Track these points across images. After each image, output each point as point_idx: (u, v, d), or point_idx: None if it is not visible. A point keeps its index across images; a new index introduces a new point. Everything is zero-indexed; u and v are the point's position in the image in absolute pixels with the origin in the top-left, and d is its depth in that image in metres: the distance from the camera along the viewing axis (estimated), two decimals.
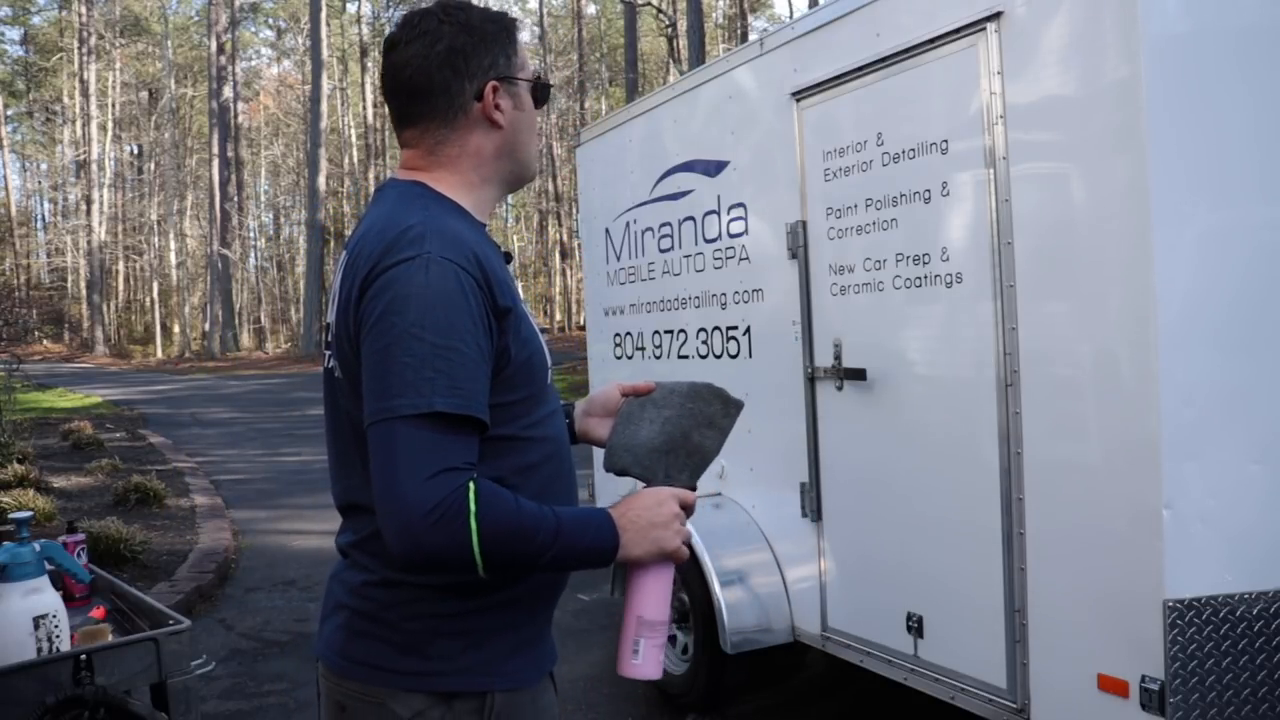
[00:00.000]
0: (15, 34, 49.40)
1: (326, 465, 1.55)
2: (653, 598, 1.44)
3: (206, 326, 41.63)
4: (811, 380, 3.40)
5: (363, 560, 1.44)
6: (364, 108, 47.59)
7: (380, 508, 1.27)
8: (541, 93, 1.56)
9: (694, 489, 1.54)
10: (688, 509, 1.46)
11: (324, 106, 36.58)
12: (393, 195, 1.47)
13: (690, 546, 3.67)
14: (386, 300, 1.30)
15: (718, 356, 3.99)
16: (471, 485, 1.26)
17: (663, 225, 4.33)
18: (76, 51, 43.40)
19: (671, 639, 4.16)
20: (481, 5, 1.57)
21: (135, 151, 49.44)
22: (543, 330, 1.52)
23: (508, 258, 1.49)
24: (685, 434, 1.57)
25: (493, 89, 1.48)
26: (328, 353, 1.48)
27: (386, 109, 1.49)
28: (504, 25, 1.52)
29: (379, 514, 1.28)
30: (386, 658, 1.41)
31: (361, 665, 1.43)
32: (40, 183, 52.71)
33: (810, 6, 19.32)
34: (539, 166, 1.60)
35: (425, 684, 1.40)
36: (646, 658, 1.44)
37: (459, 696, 1.40)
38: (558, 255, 43.19)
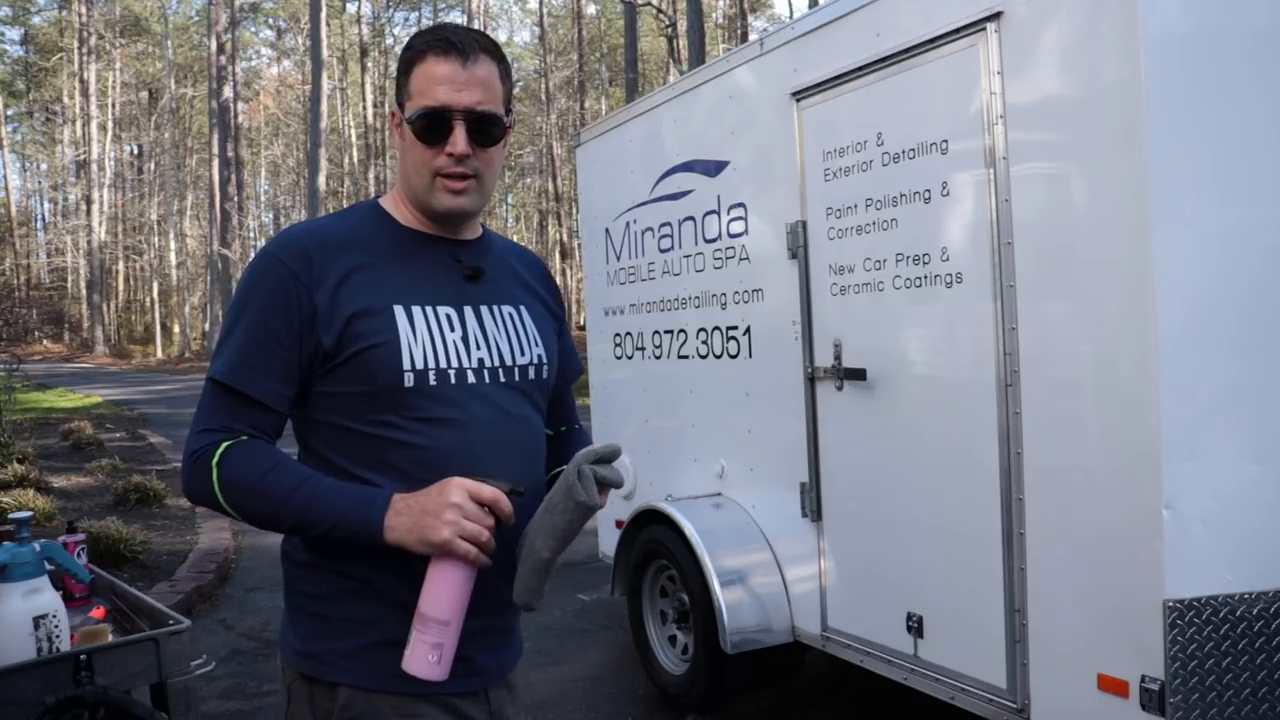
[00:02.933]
0: (15, 34, 49.42)
1: None
2: (431, 591, 1.36)
3: (206, 326, 41.61)
4: (811, 380, 3.40)
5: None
6: (364, 108, 47.58)
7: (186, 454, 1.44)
8: (418, 126, 1.46)
9: (533, 600, 1.46)
10: (488, 504, 1.37)
11: (324, 106, 36.55)
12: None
13: (689, 544, 3.70)
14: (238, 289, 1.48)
15: (718, 356, 3.99)
16: (223, 444, 1.40)
17: (663, 225, 4.33)
18: (76, 51, 43.40)
19: (671, 639, 4.16)
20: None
21: (135, 151, 49.45)
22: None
23: (477, 272, 1.56)
24: (531, 541, 1.47)
25: (391, 114, 1.54)
26: None
27: (387, 111, 1.59)
28: (407, 53, 1.50)
29: None
30: (284, 625, 1.54)
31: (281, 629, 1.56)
32: (40, 183, 52.74)
33: (810, 6, 19.31)
34: (438, 202, 1.51)
35: (292, 658, 1.49)
36: (414, 652, 1.36)
37: (316, 683, 1.46)
38: (558, 255, 43.16)
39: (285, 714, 1.51)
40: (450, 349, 1.49)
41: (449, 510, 1.34)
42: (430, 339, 1.47)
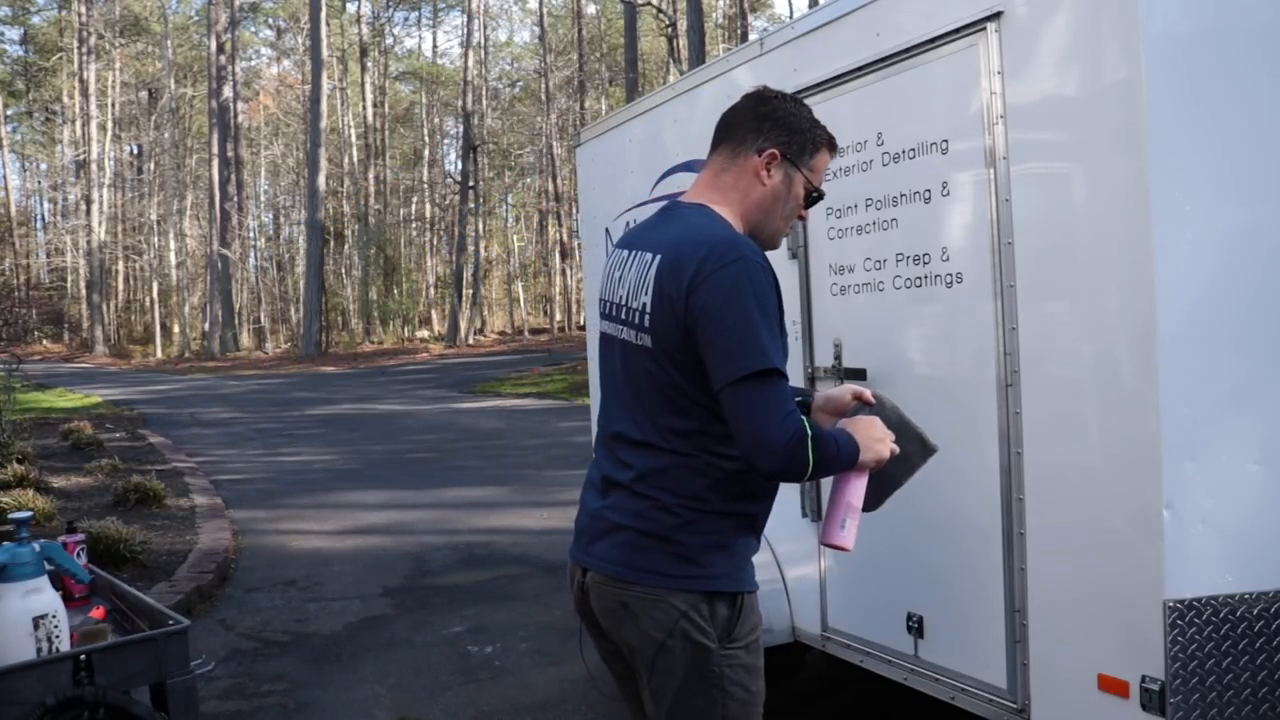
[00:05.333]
0: (15, 34, 49.43)
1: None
2: (860, 491, 1.96)
3: (206, 326, 41.65)
4: (812, 380, 3.40)
5: (647, 491, 1.90)
6: (364, 107, 47.58)
7: (752, 442, 1.76)
8: (811, 196, 2.06)
9: (873, 509, 2.06)
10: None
11: (324, 106, 36.55)
12: (690, 213, 1.97)
13: None
14: (724, 293, 1.78)
15: None
16: (805, 423, 1.77)
17: None
18: (76, 51, 43.42)
19: None
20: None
21: (135, 151, 49.46)
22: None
23: None
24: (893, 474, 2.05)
25: (770, 155, 1.98)
26: (623, 327, 1.98)
27: (764, 151, 2.02)
28: (819, 134, 2.06)
29: (750, 446, 1.76)
30: (667, 565, 1.88)
31: (646, 572, 1.89)
32: (40, 183, 52.76)
33: (810, 6, 19.31)
34: (784, 236, 2.10)
35: (699, 585, 1.87)
36: (850, 532, 1.96)
37: (719, 595, 1.88)
38: (558, 255, 43.17)
39: (672, 636, 1.88)
40: None
41: (887, 439, 1.97)
42: None
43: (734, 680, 1.90)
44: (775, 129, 2.01)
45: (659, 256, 1.90)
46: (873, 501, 2.09)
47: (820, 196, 2.07)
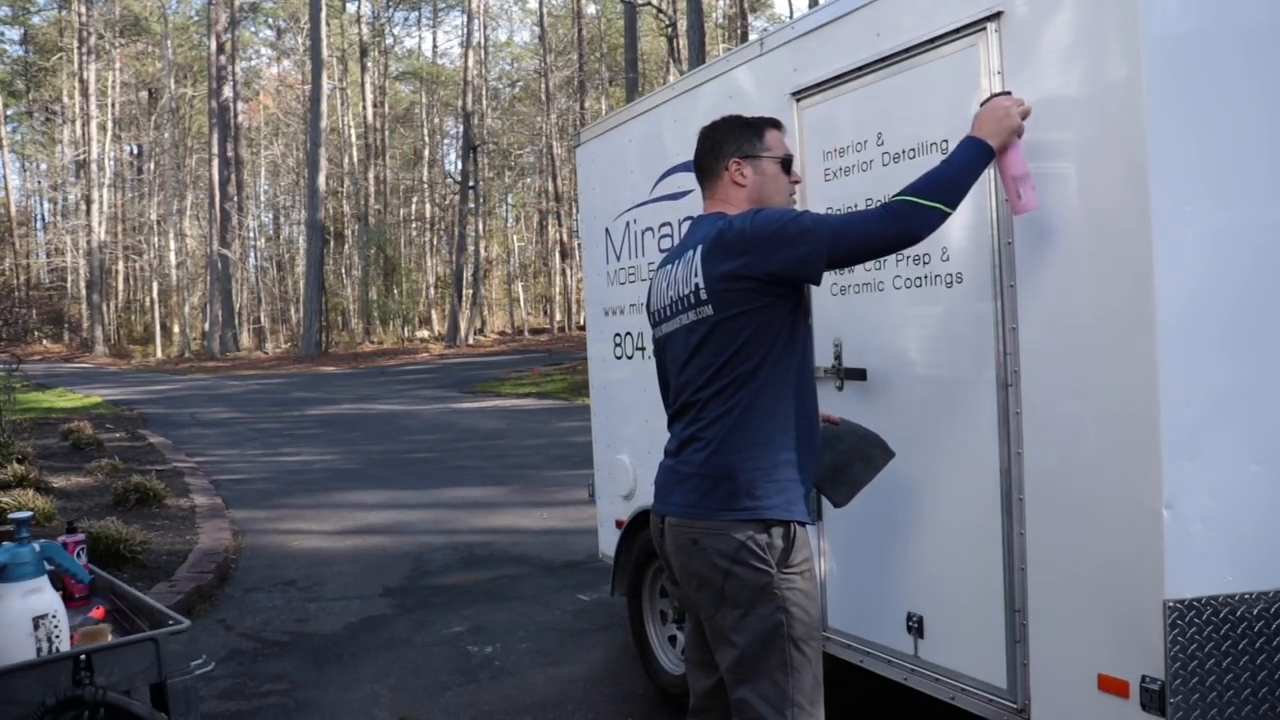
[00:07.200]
0: (15, 34, 49.44)
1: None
2: (1014, 160, 2.25)
3: (206, 326, 41.67)
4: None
5: (710, 436, 2.30)
6: (364, 107, 47.59)
7: (875, 237, 2.21)
8: (785, 163, 2.50)
9: (844, 504, 2.62)
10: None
11: (324, 106, 36.57)
12: (713, 216, 2.44)
13: None
14: (767, 225, 2.26)
15: None
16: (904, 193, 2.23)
17: (663, 225, 4.33)
18: (76, 51, 43.45)
19: (671, 639, 4.16)
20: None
21: (135, 151, 49.48)
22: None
23: None
24: (850, 463, 2.48)
25: (733, 162, 2.45)
26: (679, 316, 2.40)
27: (730, 159, 2.52)
28: (755, 122, 2.49)
29: (877, 239, 2.21)
30: (727, 501, 2.26)
31: (710, 509, 2.28)
32: (40, 183, 52.79)
33: (810, 6, 19.31)
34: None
35: (755, 514, 2.24)
36: (1027, 196, 2.25)
37: (775, 524, 2.26)
38: (558, 255, 43.17)
39: (735, 563, 2.24)
40: None
41: (1010, 109, 2.30)
42: None
43: (795, 603, 2.25)
44: (723, 143, 2.47)
45: (699, 246, 2.34)
46: (843, 497, 2.49)
47: (790, 159, 2.51)
